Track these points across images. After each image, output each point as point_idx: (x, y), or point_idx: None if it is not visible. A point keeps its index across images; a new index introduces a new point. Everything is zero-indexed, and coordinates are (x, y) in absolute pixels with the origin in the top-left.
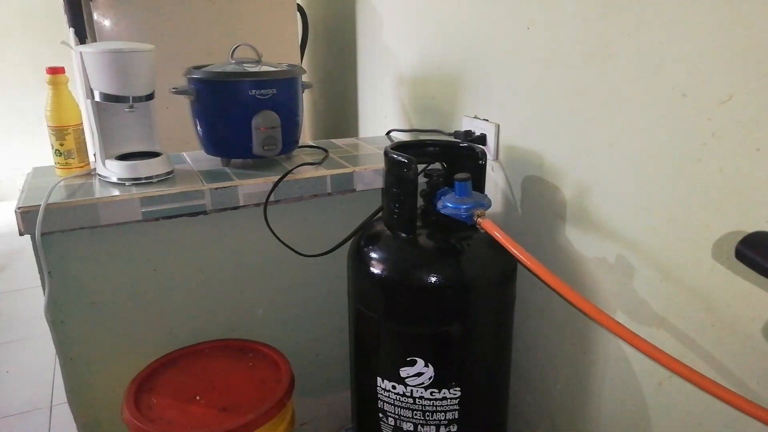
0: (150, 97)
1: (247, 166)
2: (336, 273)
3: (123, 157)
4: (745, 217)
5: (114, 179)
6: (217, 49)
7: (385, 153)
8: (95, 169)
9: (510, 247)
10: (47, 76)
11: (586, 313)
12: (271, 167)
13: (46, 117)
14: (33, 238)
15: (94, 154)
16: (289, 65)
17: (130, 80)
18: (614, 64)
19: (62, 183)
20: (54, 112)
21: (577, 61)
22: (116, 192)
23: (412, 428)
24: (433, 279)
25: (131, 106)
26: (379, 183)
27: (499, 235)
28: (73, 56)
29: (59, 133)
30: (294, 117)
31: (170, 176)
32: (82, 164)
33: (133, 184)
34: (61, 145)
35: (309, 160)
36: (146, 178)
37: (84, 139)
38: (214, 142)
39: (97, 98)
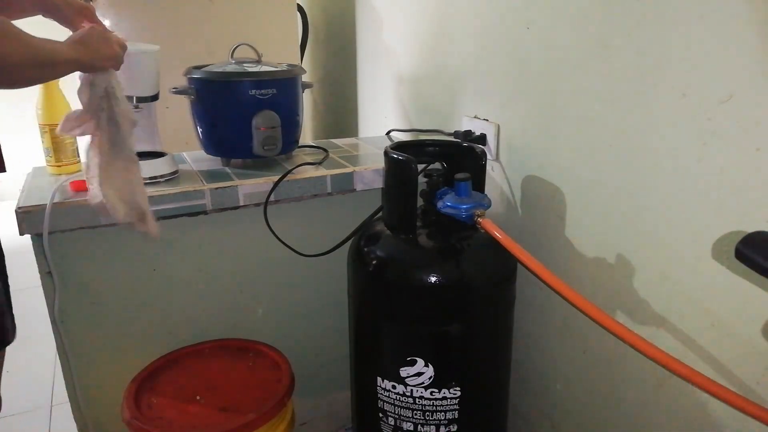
0: (155, 97)
1: (247, 166)
2: (336, 273)
3: None
4: (745, 216)
5: None
6: (217, 49)
7: (385, 153)
8: None
9: (510, 247)
10: None
11: (586, 313)
12: (271, 167)
13: (38, 115)
14: (34, 238)
15: None
16: (289, 65)
17: (136, 81)
18: (614, 64)
19: (64, 183)
20: (45, 110)
21: (577, 61)
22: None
23: (412, 428)
24: (433, 279)
25: (136, 107)
26: (379, 183)
27: (499, 235)
28: None
29: (51, 131)
30: (294, 117)
31: (175, 176)
32: (74, 162)
33: None
34: (53, 143)
35: (309, 160)
36: (151, 178)
37: (75, 138)
38: (214, 142)
39: None
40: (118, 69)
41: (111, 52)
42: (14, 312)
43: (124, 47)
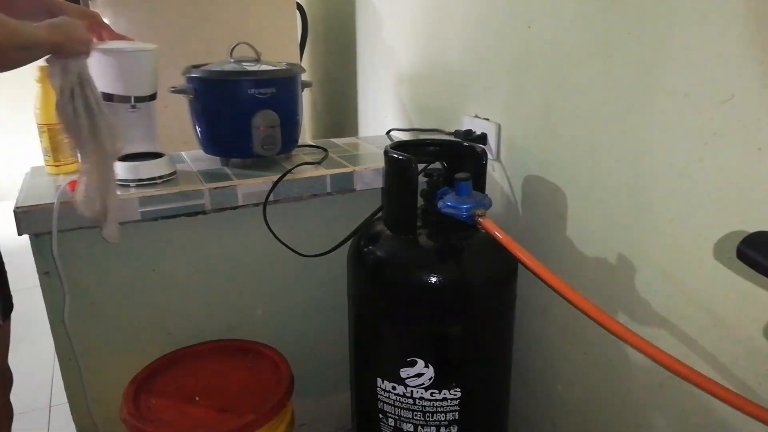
0: (152, 97)
1: (247, 165)
2: (336, 273)
3: (123, 158)
4: (747, 216)
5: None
6: (217, 48)
7: (385, 152)
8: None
9: (510, 246)
10: (36, 74)
11: (587, 313)
12: (271, 167)
13: (36, 115)
14: (32, 238)
15: None
16: (289, 64)
17: (133, 80)
18: (615, 63)
19: (65, 183)
20: (44, 109)
21: (578, 60)
22: (116, 192)
23: (412, 429)
24: (433, 279)
25: (133, 107)
26: (379, 183)
27: (499, 234)
28: None
29: (49, 130)
30: (293, 116)
31: (174, 177)
32: (72, 161)
33: (136, 185)
34: (51, 143)
35: (309, 159)
36: (149, 179)
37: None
38: (213, 142)
39: None
40: (89, 55)
41: (83, 37)
42: (13, 312)
43: (90, 38)
